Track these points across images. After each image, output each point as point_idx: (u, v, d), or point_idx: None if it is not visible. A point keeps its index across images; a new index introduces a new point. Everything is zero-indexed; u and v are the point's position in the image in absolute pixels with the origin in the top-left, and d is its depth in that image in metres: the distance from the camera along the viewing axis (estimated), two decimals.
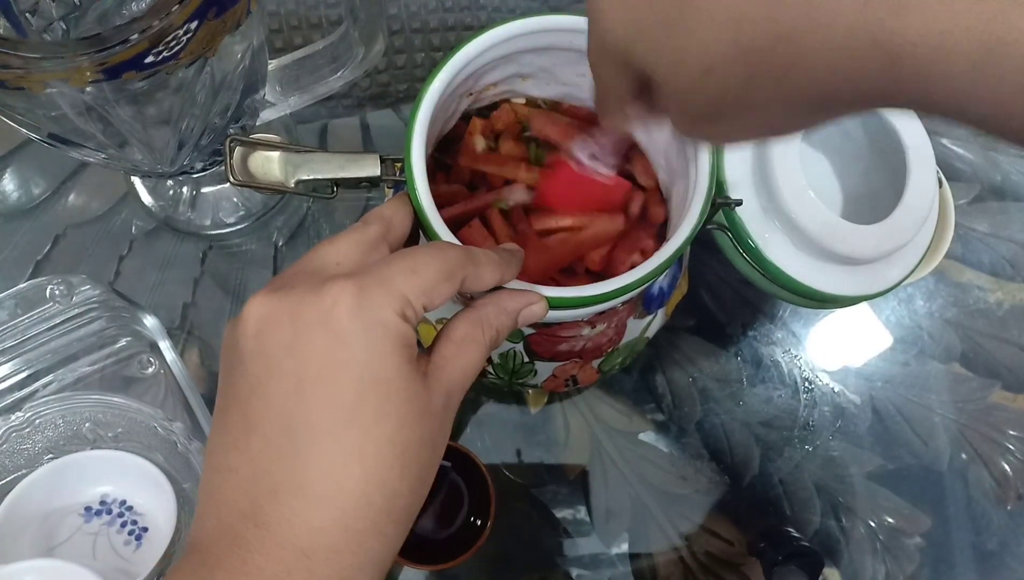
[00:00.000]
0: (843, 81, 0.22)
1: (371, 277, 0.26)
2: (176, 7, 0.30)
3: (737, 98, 0.24)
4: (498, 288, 0.32)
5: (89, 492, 0.47)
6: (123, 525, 0.47)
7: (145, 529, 0.47)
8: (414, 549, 0.46)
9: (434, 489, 0.49)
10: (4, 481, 0.46)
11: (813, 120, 0.25)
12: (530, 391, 0.54)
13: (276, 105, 0.48)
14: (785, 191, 0.42)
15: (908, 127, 0.44)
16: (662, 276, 0.42)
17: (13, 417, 0.47)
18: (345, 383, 0.24)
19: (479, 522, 0.47)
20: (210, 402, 0.49)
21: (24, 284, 0.47)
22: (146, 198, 0.56)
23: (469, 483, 0.49)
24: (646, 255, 0.38)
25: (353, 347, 0.24)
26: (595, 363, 0.44)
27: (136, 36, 0.30)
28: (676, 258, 0.36)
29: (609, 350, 0.43)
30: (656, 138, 0.42)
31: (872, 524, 0.53)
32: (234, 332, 0.26)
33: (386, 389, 0.25)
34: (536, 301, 0.32)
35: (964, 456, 0.55)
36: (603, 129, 0.36)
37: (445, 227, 0.35)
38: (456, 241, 0.35)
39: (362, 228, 0.30)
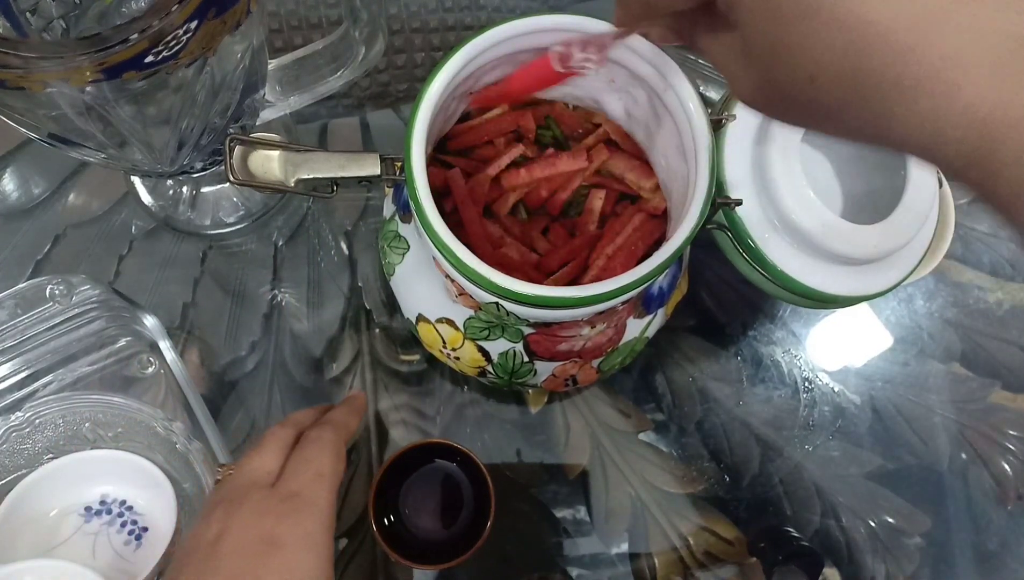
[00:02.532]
0: (920, 135, 0.21)
1: (302, 501, 0.36)
2: (176, 7, 0.30)
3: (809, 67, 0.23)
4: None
5: (89, 492, 0.47)
6: (123, 525, 0.47)
7: (145, 529, 0.47)
8: (414, 549, 0.46)
9: (434, 489, 0.49)
10: (4, 481, 0.46)
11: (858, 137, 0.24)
12: (530, 391, 0.53)
13: (276, 105, 0.48)
14: (785, 191, 0.42)
15: None
16: (662, 276, 0.42)
17: (13, 417, 0.47)
18: None
19: (479, 522, 0.47)
20: (210, 402, 0.49)
21: (24, 284, 0.47)
22: (146, 198, 0.56)
23: (469, 483, 0.49)
24: (646, 253, 0.38)
25: (287, 555, 0.34)
26: (595, 363, 0.44)
27: (136, 36, 0.30)
28: (676, 258, 0.36)
29: (609, 350, 0.43)
30: (656, 138, 0.42)
31: (872, 524, 0.53)
32: (197, 534, 0.36)
33: None
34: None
35: (964, 456, 0.55)
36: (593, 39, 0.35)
37: (445, 227, 0.35)
38: (456, 240, 0.35)
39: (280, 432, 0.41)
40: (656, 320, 0.45)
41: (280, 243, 0.56)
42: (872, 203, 0.46)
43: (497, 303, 0.36)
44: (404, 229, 0.44)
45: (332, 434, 0.40)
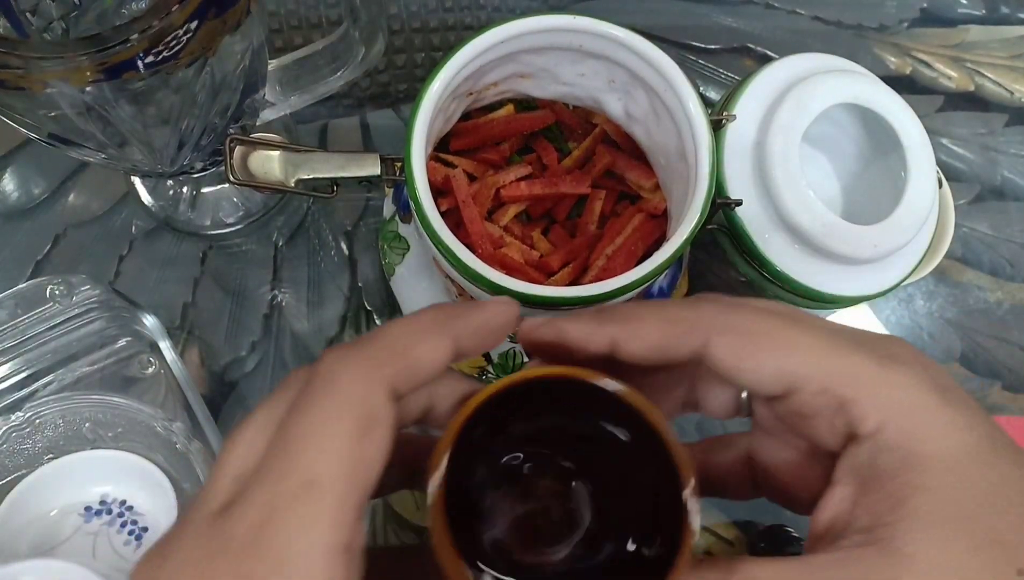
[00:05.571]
0: None
1: (267, 555, 0.20)
2: (176, 7, 0.30)
3: None
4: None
5: (89, 492, 0.47)
6: (123, 525, 0.47)
7: (145, 529, 0.47)
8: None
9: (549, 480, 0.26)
10: (4, 481, 0.46)
11: None
12: None
13: (276, 105, 0.48)
14: (785, 191, 0.42)
15: (908, 127, 0.44)
16: (662, 276, 0.42)
17: (13, 417, 0.47)
18: None
19: (655, 547, 0.24)
20: (210, 402, 0.49)
21: (24, 284, 0.47)
22: (146, 198, 0.56)
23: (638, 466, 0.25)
24: (646, 254, 0.38)
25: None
26: None
27: (136, 36, 0.30)
28: (676, 258, 0.36)
29: None
30: (656, 138, 0.42)
31: None
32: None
33: None
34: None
35: None
36: None
37: (445, 227, 0.35)
38: (456, 240, 0.35)
39: None
40: None
41: (280, 243, 0.56)
42: (872, 203, 0.46)
43: None
44: (404, 229, 0.44)
45: (359, 369, 0.21)
